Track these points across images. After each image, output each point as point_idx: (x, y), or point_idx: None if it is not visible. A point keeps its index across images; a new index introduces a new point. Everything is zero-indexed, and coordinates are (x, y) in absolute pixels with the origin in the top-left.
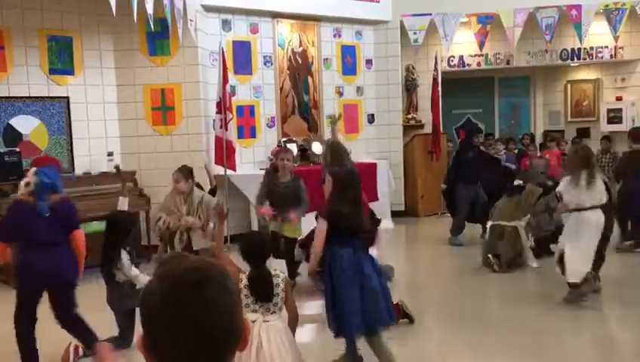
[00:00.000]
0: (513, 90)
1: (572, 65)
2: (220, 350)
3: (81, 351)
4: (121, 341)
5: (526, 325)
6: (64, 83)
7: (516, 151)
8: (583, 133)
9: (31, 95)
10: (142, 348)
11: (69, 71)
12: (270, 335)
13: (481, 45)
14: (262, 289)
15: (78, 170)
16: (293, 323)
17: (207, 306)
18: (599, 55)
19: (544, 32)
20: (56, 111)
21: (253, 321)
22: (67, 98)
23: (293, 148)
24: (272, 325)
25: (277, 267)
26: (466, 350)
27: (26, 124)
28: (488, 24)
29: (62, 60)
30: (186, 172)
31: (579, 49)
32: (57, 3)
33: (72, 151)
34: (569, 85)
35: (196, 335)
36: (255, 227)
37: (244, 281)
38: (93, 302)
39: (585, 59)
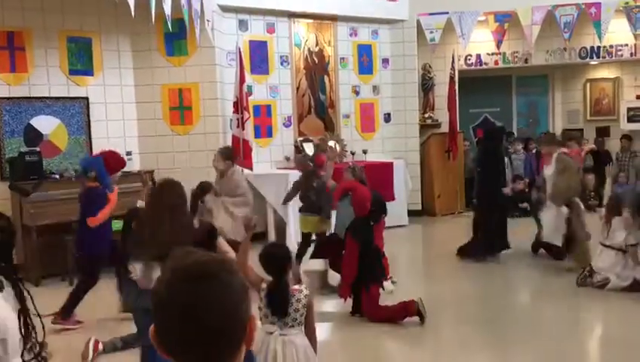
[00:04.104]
0: (531, 89)
1: (591, 63)
2: (215, 341)
3: (100, 347)
4: (140, 338)
5: (545, 325)
6: (84, 83)
7: (534, 150)
8: (603, 132)
9: (51, 95)
10: (153, 336)
11: (89, 71)
12: (286, 349)
13: (498, 44)
14: (277, 303)
15: None
16: (312, 341)
17: (205, 300)
18: (619, 53)
19: (563, 30)
20: (76, 112)
21: (271, 333)
22: (87, 98)
23: (310, 147)
24: (289, 339)
25: (304, 283)
26: (479, 350)
27: (46, 124)
28: (506, 22)
29: (81, 61)
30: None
31: (598, 47)
32: (77, 5)
33: (91, 151)
34: (588, 84)
35: (195, 327)
36: (271, 226)
37: (265, 291)
38: (112, 299)
39: (604, 57)
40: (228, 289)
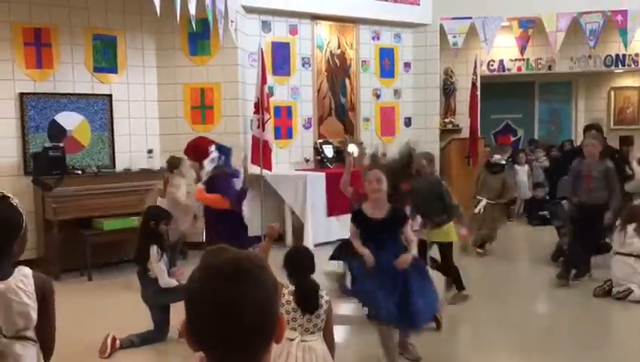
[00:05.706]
0: (554, 96)
1: (616, 71)
2: (251, 338)
3: (117, 343)
4: (157, 335)
5: (565, 333)
6: (107, 81)
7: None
8: (627, 141)
9: (75, 92)
10: (184, 331)
11: (113, 69)
12: (306, 355)
13: (522, 50)
14: (309, 300)
15: (119, 167)
16: (331, 348)
17: (238, 296)
18: None
19: (588, 37)
20: (99, 108)
21: (292, 339)
22: (110, 96)
23: (329, 149)
24: (310, 346)
25: (324, 288)
26: (497, 357)
27: (69, 120)
28: (530, 28)
29: (106, 59)
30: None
31: (623, 55)
32: (103, 2)
33: (113, 148)
34: (612, 92)
35: (227, 322)
36: (289, 227)
37: (287, 297)
38: (130, 295)
39: (629, 65)
40: (261, 285)
